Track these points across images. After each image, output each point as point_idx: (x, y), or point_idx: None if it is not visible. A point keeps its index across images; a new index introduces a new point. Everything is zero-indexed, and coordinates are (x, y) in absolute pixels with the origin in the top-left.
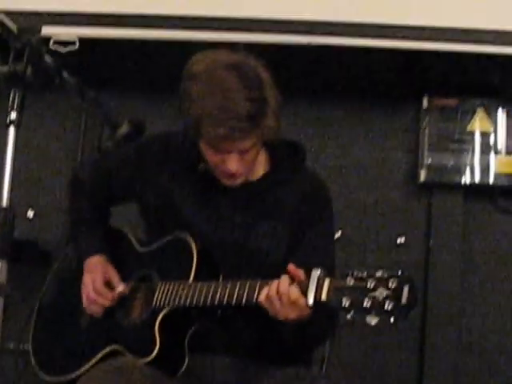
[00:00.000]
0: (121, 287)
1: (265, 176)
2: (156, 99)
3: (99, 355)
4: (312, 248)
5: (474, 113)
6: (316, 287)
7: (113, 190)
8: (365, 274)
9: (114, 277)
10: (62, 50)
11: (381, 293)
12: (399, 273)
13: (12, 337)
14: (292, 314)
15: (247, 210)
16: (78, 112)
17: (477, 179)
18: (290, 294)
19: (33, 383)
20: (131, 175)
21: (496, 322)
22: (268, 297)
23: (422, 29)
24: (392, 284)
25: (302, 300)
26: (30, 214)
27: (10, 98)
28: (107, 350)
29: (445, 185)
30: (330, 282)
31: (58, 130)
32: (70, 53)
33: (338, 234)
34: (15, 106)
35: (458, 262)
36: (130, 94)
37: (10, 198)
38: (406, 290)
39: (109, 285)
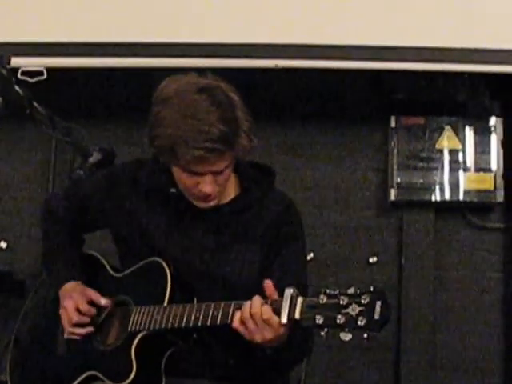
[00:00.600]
0: (104, 301)
1: (235, 199)
2: (125, 127)
3: (77, 382)
4: (284, 268)
5: (441, 131)
6: (289, 305)
7: (85, 217)
8: (337, 291)
9: (94, 295)
10: (30, 80)
11: (353, 309)
12: (371, 288)
13: None
14: (268, 335)
15: (219, 233)
16: (48, 142)
17: (447, 196)
18: (263, 313)
19: None
20: (102, 202)
21: (470, 337)
22: (242, 319)
23: (387, 48)
24: (364, 300)
25: (274, 319)
26: (3, 245)
27: None
28: (84, 375)
29: (415, 203)
30: (303, 301)
31: (28, 160)
32: (38, 83)
33: (310, 256)
34: None
35: (431, 279)
36: (99, 122)
37: None
38: (378, 304)
39: (91, 304)
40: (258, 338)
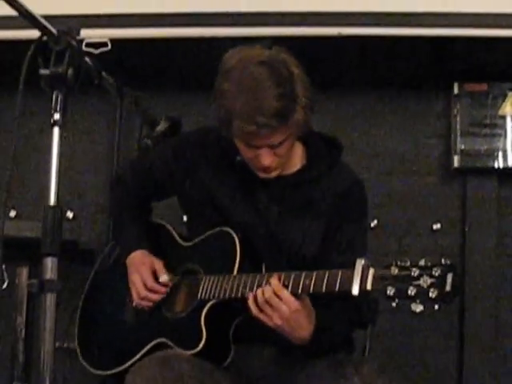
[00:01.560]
0: (167, 278)
1: (301, 170)
2: (191, 96)
3: (146, 348)
4: (346, 243)
5: (504, 97)
6: (361, 277)
7: (153, 186)
8: (408, 263)
9: (161, 269)
10: (95, 51)
11: (425, 281)
12: (442, 261)
13: (57, 334)
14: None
15: (284, 203)
16: (114, 111)
17: (510, 163)
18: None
19: (81, 380)
20: (170, 171)
21: None
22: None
23: (451, 15)
24: (436, 272)
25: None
26: (70, 214)
27: (53, 100)
28: (154, 343)
29: (478, 169)
30: (375, 272)
31: (95, 131)
32: (102, 54)
33: (374, 223)
34: (58, 108)
35: (494, 245)
36: (166, 91)
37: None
38: (449, 277)
39: (155, 275)
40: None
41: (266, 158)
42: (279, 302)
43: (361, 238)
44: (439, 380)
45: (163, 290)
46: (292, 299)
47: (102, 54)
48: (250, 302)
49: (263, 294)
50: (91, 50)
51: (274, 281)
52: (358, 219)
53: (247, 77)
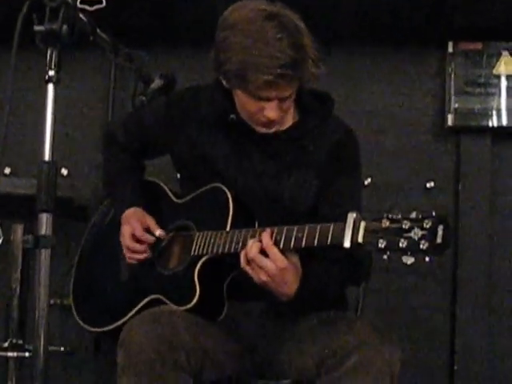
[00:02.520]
0: (158, 231)
1: (294, 125)
2: (186, 53)
3: (140, 304)
4: (341, 196)
5: (499, 56)
6: (352, 230)
7: (146, 143)
8: (399, 215)
9: (152, 223)
10: (90, 8)
11: (416, 233)
12: (433, 213)
13: (52, 291)
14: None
15: (277, 159)
16: (108, 68)
17: (504, 122)
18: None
19: (76, 336)
20: (163, 128)
21: None
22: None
23: None
24: (427, 224)
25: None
26: (64, 171)
27: (48, 57)
28: (148, 299)
29: (472, 128)
30: (366, 224)
31: (88, 88)
32: (97, 11)
33: (368, 181)
34: (52, 65)
35: (487, 203)
36: (161, 49)
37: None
38: (440, 229)
39: (148, 232)
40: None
41: (273, 111)
42: (266, 259)
43: (355, 189)
44: (432, 335)
45: (151, 239)
46: (280, 257)
47: (96, 11)
48: (242, 257)
49: (251, 249)
50: (86, 6)
51: (265, 238)
52: (352, 171)
53: (257, 29)
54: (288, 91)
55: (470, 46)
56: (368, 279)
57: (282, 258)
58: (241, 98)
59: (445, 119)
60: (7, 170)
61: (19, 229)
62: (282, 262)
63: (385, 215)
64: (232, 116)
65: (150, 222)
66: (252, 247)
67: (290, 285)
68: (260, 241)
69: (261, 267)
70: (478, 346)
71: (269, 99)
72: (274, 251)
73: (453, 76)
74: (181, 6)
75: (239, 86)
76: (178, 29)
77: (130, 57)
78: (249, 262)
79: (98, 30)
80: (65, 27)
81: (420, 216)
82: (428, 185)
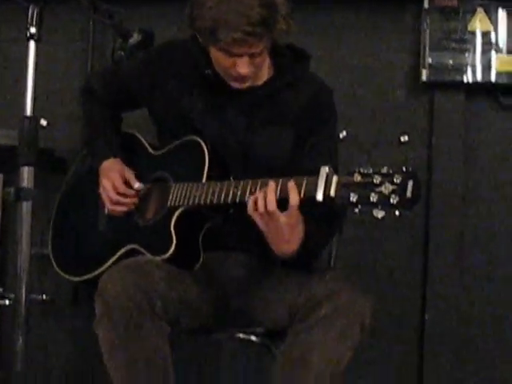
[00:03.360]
0: (137, 185)
1: (269, 80)
2: (164, 8)
3: (118, 254)
4: (317, 151)
5: (474, 13)
6: (325, 183)
7: (123, 96)
8: (371, 170)
9: (131, 176)
10: None
11: (386, 188)
12: (404, 169)
13: (32, 241)
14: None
15: (253, 114)
16: (88, 24)
17: (478, 77)
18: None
19: (55, 285)
20: (139, 82)
21: (498, 216)
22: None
23: None
24: (397, 179)
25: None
26: (44, 122)
27: (29, 14)
28: (125, 249)
29: (447, 83)
30: (338, 179)
31: (68, 42)
32: None
33: (343, 134)
34: (34, 22)
35: (461, 158)
36: (139, 4)
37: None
38: (410, 184)
39: (127, 184)
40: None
41: (245, 67)
42: (282, 214)
43: (330, 143)
44: (403, 286)
45: (134, 194)
46: (297, 214)
47: None
48: (251, 206)
49: (270, 202)
50: None
51: (294, 193)
52: (327, 125)
53: None
54: (259, 47)
55: (446, 2)
56: (341, 232)
57: (298, 214)
58: (214, 53)
59: (419, 74)
60: None
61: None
62: (297, 219)
63: (357, 170)
64: (208, 71)
65: (129, 174)
66: (271, 200)
67: (293, 241)
68: (277, 192)
69: (276, 220)
70: (448, 295)
71: (240, 55)
72: (295, 207)
73: (428, 32)
74: None
75: (211, 43)
76: None
77: (109, 13)
78: (262, 214)
79: None
80: None
81: (391, 171)
82: (402, 139)
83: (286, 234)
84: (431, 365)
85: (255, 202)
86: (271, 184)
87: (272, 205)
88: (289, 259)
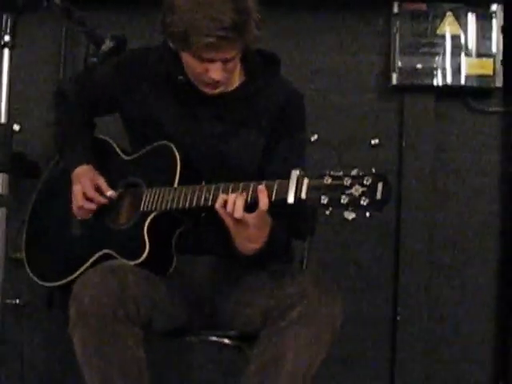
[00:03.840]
0: (109, 192)
1: (241, 86)
2: (136, 15)
3: (92, 259)
4: (287, 155)
5: (443, 17)
6: (296, 186)
7: (96, 101)
8: (341, 173)
9: (103, 183)
10: None
11: (357, 189)
12: (373, 171)
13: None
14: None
15: (224, 119)
16: (61, 31)
17: (448, 80)
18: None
19: (29, 290)
20: (113, 88)
21: (468, 217)
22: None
23: None
24: (367, 181)
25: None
26: (16, 127)
27: (3, 22)
28: (99, 254)
29: (417, 87)
30: (309, 181)
31: (40, 48)
32: None
33: (314, 137)
34: (8, 30)
35: (431, 161)
36: (111, 10)
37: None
38: (380, 186)
39: (98, 191)
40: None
41: (217, 72)
42: (250, 216)
43: (299, 149)
44: (375, 288)
45: (101, 199)
46: (265, 216)
47: None
48: (219, 208)
49: (238, 208)
50: None
51: (263, 196)
52: (297, 131)
53: None
54: (231, 53)
55: (415, 7)
56: (313, 233)
57: (266, 216)
58: (186, 59)
59: (390, 78)
60: None
61: None
62: (265, 221)
63: (327, 172)
64: (180, 77)
65: (101, 181)
66: (239, 206)
67: (257, 241)
68: (247, 196)
69: (244, 223)
70: (419, 297)
71: (212, 61)
72: (264, 210)
73: (398, 35)
74: None
75: (183, 48)
76: None
77: (82, 20)
78: (232, 218)
79: None
80: None
81: (361, 173)
82: (373, 142)
83: (252, 234)
84: (403, 364)
85: (225, 203)
86: (241, 189)
87: (239, 211)
88: (249, 256)
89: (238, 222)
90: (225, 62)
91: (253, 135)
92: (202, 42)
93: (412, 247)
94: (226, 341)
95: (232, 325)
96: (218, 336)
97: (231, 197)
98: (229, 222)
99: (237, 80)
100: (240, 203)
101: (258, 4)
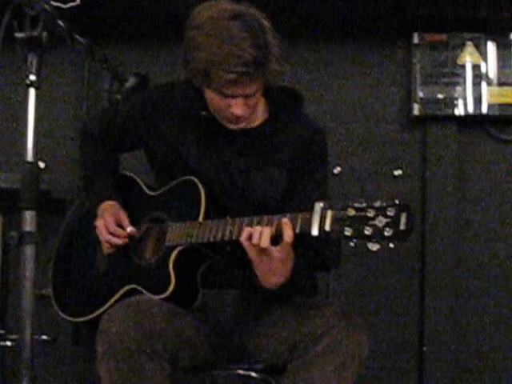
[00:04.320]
0: (129, 229)
1: (264, 122)
2: (158, 52)
3: (118, 294)
4: (309, 190)
5: (463, 47)
6: (320, 218)
7: (121, 139)
8: (364, 204)
9: (124, 219)
10: (63, 6)
11: (380, 221)
12: (396, 201)
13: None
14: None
15: (248, 155)
16: (84, 69)
17: (470, 110)
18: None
19: (56, 326)
20: (137, 124)
21: (492, 245)
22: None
23: None
24: (390, 212)
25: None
26: (42, 165)
27: (28, 62)
28: (125, 289)
29: (438, 117)
30: (333, 213)
31: (63, 85)
32: (72, 9)
33: (337, 169)
34: (33, 69)
35: (454, 191)
36: (134, 47)
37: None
38: (403, 216)
39: (120, 227)
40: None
41: (239, 108)
42: (275, 248)
43: (321, 185)
44: (401, 318)
45: (125, 234)
46: (289, 249)
47: (70, 8)
48: (245, 242)
49: (265, 239)
50: (60, 4)
51: (288, 228)
52: (320, 167)
53: (221, 29)
54: (252, 88)
55: (435, 37)
56: (338, 265)
57: (290, 249)
58: (209, 95)
59: (411, 108)
60: None
61: None
62: (289, 254)
63: (350, 204)
64: (204, 113)
65: (123, 218)
66: (266, 238)
67: (281, 275)
68: (272, 228)
69: (268, 255)
70: (445, 327)
71: (234, 96)
72: (288, 243)
73: (418, 66)
74: (153, 4)
75: (205, 84)
76: (151, 27)
77: (106, 58)
78: (257, 249)
79: (76, 35)
80: (44, 34)
81: (384, 204)
82: (396, 173)
83: (277, 267)
84: None
85: (250, 235)
86: (266, 222)
87: (266, 242)
88: (272, 290)
89: (263, 254)
90: (246, 97)
91: (275, 171)
92: (223, 77)
93: (437, 277)
94: (253, 374)
95: (258, 358)
96: (244, 369)
97: (257, 228)
98: (253, 254)
99: (260, 116)
100: (266, 234)
101: (279, 38)
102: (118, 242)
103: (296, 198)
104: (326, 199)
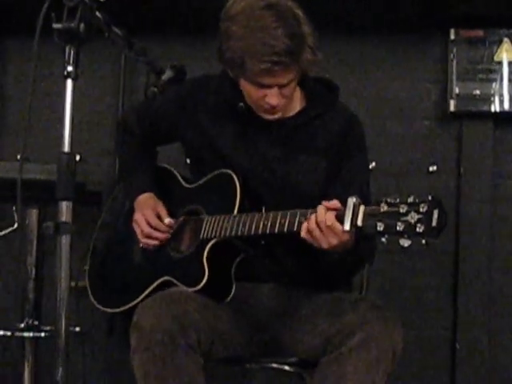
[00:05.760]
0: (167, 220)
1: (301, 112)
2: (194, 44)
3: (152, 286)
4: (348, 180)
5: (500, 43)
6: (352, 213)
7: (157, 131)
8: (397, 200)
9: (162, 210)
10: None
11: (412, 217)
12: (429, 198)
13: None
14: (333, 241)
15: (285, 144)
16: (121, 61)
17: (506, 106)
18: (326, 220)
19: (90, 317)
20: (174, 117)
21: None
22: (308, 229)
23: None
24: (423, 208)
25: (337, 225)
26: (77, 157)
27: (66, 53)
28: (159, 281)
29: (474, 113)
30: (365, 209)
31: (100, 78)
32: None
33: (372, 165)
34: (71, 61)
35: (489, 187)
36: (171, 39)
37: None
38: (435, 213)
39: (159, 219)
40: (324, 245)
41: (274, 98)
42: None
43: (361, 171)
44: (434, 315)
45: (166, 228)
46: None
47: (108, 2)
48: (311, 224)
49: (329, 218)
50: None
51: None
52: (359, 152)
53: (255, 19)
54: (286, 78)
55: (472, 33)
56: (372, 261)
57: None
58: (244, 85)
59: (447, 105)
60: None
61: (34, 213)
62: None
63: (383, 199)
64: (241, 104)
65: (161, 209)
66: (330, 216)
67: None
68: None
69: (337, 233)
70: (479, 324)
71: (269, 86)
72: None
73: (455, 62)
74: None
75: (240, 74)
76: (188, 20)
77: (143, 50)
78: (321, 228)
79: (113, 27)
80: (82, 25)
81: (416, 200)
82: (431, 169)
83: (336, 245)
84: None
85: (316, 222)
86: (299, 215)
87: (331, 219)
88: (337, 257)
89: (331, 234)
90: (281, 87)
91: (313, 160)
92: (257, 67)
93: (471, 274)
94: (287, 368)
95: (292, 352)
96: (278, 363)
97: (313, 216)
98: (322, 238)
99: (297, 106)
100: (330, 214)
101: (313, 28)
102: (161, 236)
103: (336, 186)
104: (364, 190)
